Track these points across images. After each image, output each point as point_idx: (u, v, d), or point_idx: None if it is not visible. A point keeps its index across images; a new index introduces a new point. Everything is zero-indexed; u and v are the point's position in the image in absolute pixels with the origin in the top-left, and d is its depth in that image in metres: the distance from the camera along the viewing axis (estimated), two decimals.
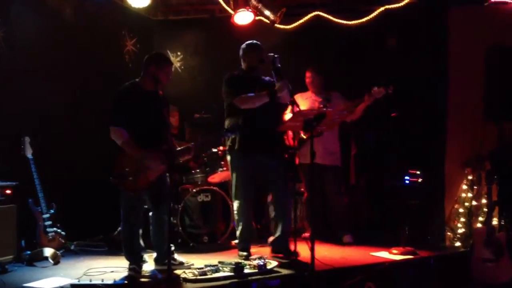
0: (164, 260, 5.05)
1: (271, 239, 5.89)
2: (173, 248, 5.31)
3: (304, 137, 6.46)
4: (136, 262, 5.00)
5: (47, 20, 6.54)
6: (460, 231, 6.56)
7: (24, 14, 6.21)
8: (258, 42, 5.82)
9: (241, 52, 5.83)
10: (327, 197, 6.84)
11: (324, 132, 6.38)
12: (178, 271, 4.95)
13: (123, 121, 4.95)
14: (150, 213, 5.38)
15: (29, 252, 5.56)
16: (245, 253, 5.67)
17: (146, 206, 5.35)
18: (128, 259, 5.08)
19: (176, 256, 5.37)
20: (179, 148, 5.22)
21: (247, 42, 5.82)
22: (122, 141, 4.92)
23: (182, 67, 8.61)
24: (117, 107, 5.04)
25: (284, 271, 5.07)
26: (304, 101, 6.80)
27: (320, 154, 6.33)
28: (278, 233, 5.71)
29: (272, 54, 5.51)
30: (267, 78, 5.81)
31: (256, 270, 4.93)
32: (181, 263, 5.29)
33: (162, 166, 4.97)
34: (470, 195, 6.55)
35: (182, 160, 5.98)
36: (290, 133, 6.87)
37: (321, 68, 7.03)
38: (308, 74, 6.94)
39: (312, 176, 6.16)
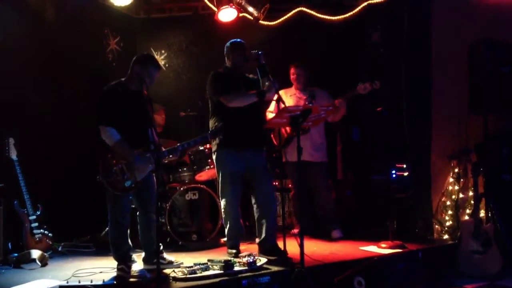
0: (153, 260, 5.05)
1: (257, 240, 5.86)
2: (161, 247, 5.29)
3: (294, 134, 6.46)
4: (124, 262, 4.97)
5: (28, 20, 6.48)
6: (448, 223, 6.59)
7: (4, 14, 6.14)
8: (242, 40, 5.80)
9: (225, 50, 5.81)
10: (314, 193, 6.84)
11: (311, 129, 6.41)
12: (167, 270, 4.92)
13: (111, 121, 4.92)
14: (138, 213, 5.34)
15: (16, 254, 5.52)
16: (234, 251, 5.65)
17: (133, 206, 5.32)
18: (116, 259, 5.05)
19: (165, 255, 5.34)
20: (166, 149, 5.19)
21: (232, 40, 5.80)
22: (114, 141, 4.90)
23: (167, 65, 8.58)
24: (106, 106, 4.99)
25: (274, 268, 5.06)
26: (289, 98, 6.78)
27: (308, 151, 6.39)
28: (263, 235, 5.67)
29: (256, 50, 5.49)
30: (251, 76, 5.79)
31: (246, 268, 4.92)
32: (170, 262, 5.27)
33: (150, 166, 4.95)
34: (456, 187, 6.58)
35: (167, 161, 5.97)
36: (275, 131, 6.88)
37: (305, 64, 7.01)
38: (293, 70, 6.90)
39: (299, 172, 6.18)
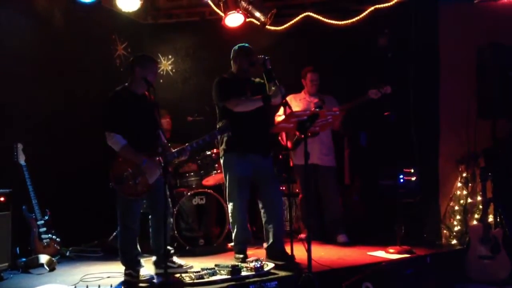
0: (162, 264, 5.04)
1: (265, 245, 5.85)
2: (172, 251, 5.29)
3: (301, 137, 6.44)
4: (132, 267, 4.97)
5: (36, 26, 6.51)
6: (456, 228, 6.57)
7: (14, 20, 6.17)
8: (249, 45, 5.80)
9: (232, 54, 5.82)
10: (322, 198, 6.83)
11: (320, 133, 6.41)
12: (176, 275, 4.89)
13: (118, 126, 4.94)
14: (150, 217, 5.36)
15: (24, 259, 5.52)
16: (241, 256, 5.64)
17: (142, 211, 5.32)
18: (124, 264, 5.05)
19: (175, 259, 5.35)
20: (174, 150, 5.20)
21: (239, 44, 5.80)
22: (120, 146, 4.92)
23: (174, 70, 8.61)
24: (111, 112, 5.02)
25: (281, 273, 5.05)
26: (299, 103, 6.79)
27: (317, 155, 6.41)
28: (271, 240, 5.65)
29: (262, 56, 5.50)
30: (257, 80, 5.79)
31: (253, 273, 4.91)
32: (180, 266, 5.27)
33: (159, 169, 4.97)
34: (465, 192, 6.57)
35: (178, 162, 5.99)
36: (283, 134, 6.86)
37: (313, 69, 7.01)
38: (310, 76, 6.88)
39: (307, 177, 6.18)
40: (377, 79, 6.36)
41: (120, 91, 5.11)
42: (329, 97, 6.87)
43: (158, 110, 5.28)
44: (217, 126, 5.73)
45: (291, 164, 6.90)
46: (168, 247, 5.30)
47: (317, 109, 6.34)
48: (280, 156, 7.11)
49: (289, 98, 6.77)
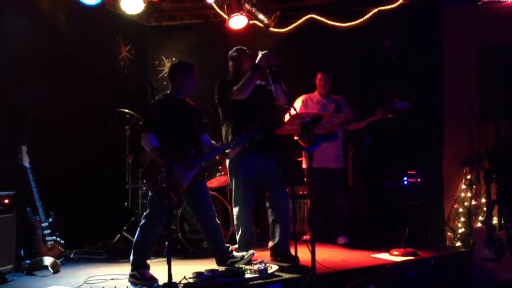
0: (227, 261, 5.23)
1: (270, 244, 5.86)
2: (230, 247, 5.40)
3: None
4: (137, 268, 4.97)
5: (40, 28, 6.53)
6: (461, 230, 6.56)
7: (18, 22, 6.19)
8: (243, 47, 5.83)
9: (230, 57, 5.84)
10: (330, 199, 6.83)
11: (338, 136, 6.39)
12: (179, 277, 4.82)
13: (152, 128, 5.03)
14: (199, 223, 5.41)
15: (28, 261, 5.51)
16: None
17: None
18: (132, 263, 5.04)
19: (234, 253, 5.40)
20: (207, 152, 5.26)
21: (235, 48, 5.84)
22: (150, 147, 5.02)
23: None
24: (148, 115, 5.17)
25: (285, 275, 5.03)
26: (315, 105, 6.80)
27: (333, 158, 6.44)
28: (277, 239, 5.66)
29: (265, 53, 5.50)
30: (258, 82, 5.77)
31: (257, 275, 4.89)
32: (242, 257, 5.30)
33: (192, 171, 5.07)
34: (469, 194, 6.56)
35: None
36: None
37: (330, 71, 7.03)
38: (320, 77, 6.93)
39: (316, 179, 6.19)
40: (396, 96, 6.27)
41: (161, 97, 5.24)
42: (340, 97, 6.95)
43: (198, 115, 5.42)
44: (223, 129, 5.75)
45: (303, 166, 6.91)
46: (226, 244, 5.41)
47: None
48: (297, 159, 7.07)
49: (304, 98, 6.80)
